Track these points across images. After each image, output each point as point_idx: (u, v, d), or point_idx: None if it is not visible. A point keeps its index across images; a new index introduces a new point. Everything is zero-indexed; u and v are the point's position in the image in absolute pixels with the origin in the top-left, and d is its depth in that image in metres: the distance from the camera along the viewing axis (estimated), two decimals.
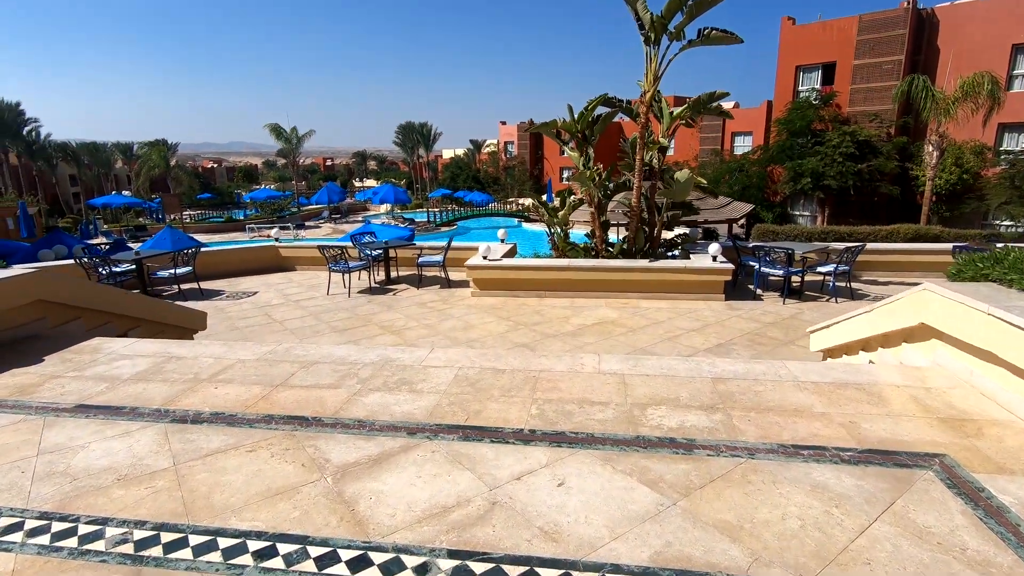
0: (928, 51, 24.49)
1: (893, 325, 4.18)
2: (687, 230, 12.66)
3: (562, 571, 1.95)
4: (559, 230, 11.17)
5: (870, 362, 4.49)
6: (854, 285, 10.10)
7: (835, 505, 2.27)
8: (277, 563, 2.02)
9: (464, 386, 3.56)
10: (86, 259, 9.81)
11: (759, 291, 9.90)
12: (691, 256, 10.32)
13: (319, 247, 11.02)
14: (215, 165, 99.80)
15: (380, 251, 11.02)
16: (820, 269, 9.58)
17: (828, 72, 26.74)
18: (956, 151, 22.05)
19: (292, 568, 1.99)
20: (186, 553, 2.07)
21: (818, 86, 26.91)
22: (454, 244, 11.51)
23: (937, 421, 2.96)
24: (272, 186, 68.85)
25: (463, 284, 10.71)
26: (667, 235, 11.40)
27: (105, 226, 39.63)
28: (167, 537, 2.16)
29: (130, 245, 15.95)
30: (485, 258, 9.98)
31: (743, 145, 35.84)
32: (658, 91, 9.85)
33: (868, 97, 25.24)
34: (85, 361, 4.13)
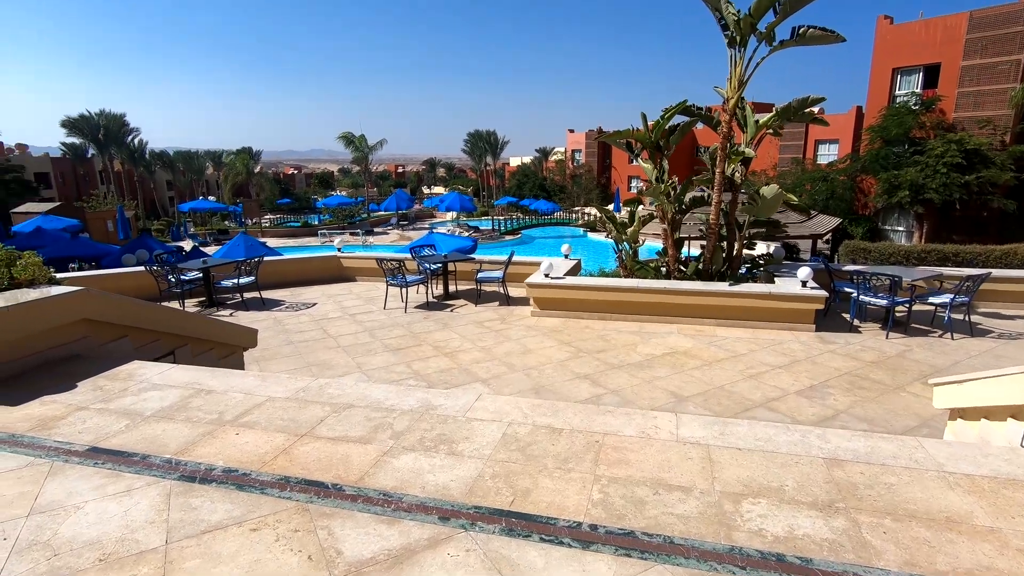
0: None
1: None
2: (771, 249, 11.56)
3: None
4: (627, 247, 10.43)
5: None
6: (973, 318, 8.74)
7: None
8: None
9: (513, 450, 2.99)
10: (156, 267, 10.03)
11: (856, 321, 8.75)
12: (776, 279, 9.30)
13: (377, 259, 10.84)
14: (295, 171, 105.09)
15: (439, 264, 10.70)
16: (932, 300, 8.32)
17: (931, 74, 24.33)
18: None
19: None
20: None
21: (919, 90, 24.53)
22: (516, 259, 11.02)
23: None
24: (344, 192, 71.47)
25: (523, 301, 10.18)
26: (747, 253, 10.41)
27: (193, 229, 42.28)
28: None
29: (204, 251, 16.56)
30: (547, 275, 9.39)
31: (827, 154, 33.42)
32: (742, 98, 8.96)
33: (979, 101, 22.71)
34: (115, 390, 3.89)
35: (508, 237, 37.48)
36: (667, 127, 9.45)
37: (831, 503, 2.48)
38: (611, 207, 32.86)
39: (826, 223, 14.85)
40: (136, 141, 51.35)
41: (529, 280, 9.45)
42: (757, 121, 9.25)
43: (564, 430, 3.21)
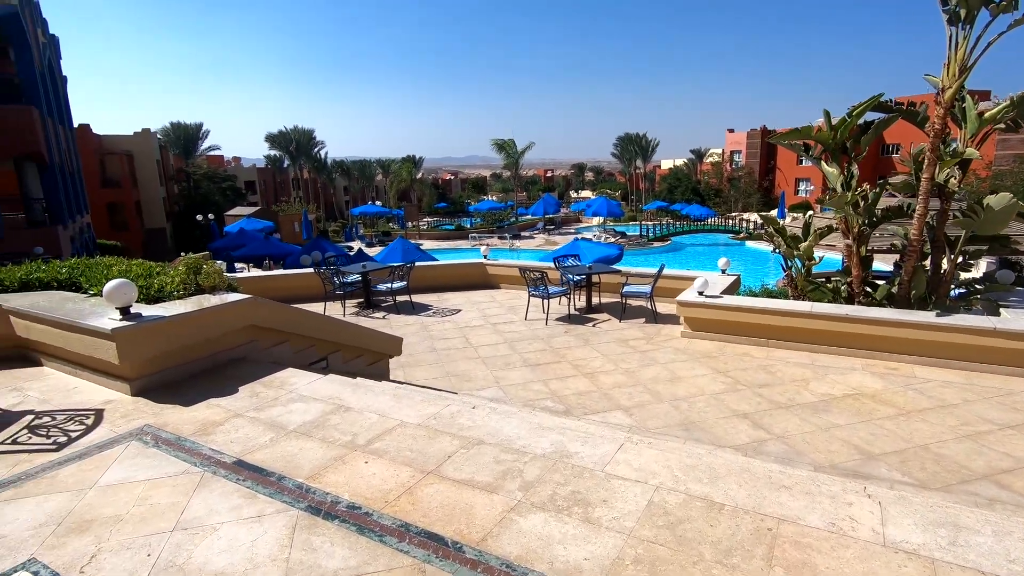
0: None
1: None
2: (991, 270, 9.39)
3: None
4: (799, 263, 9.12)
5: None
6: None
7: None
8: None
9: (660, 527, 2.49)
10: (323, 269, 10.95)
11: None
12: (1001, 310, 7.44)
13: (521, 269, 10.74)
14: (452, 177, 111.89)
15: (582, 276, 10.30)
16: None
17: None
18: None
19: None
20: None
21: None
22: (666, 272, 10.23)
23: None
24: (495, 197, 74.29)
25: (672, 319, 9.38)
26: (961, 275, 8.54)
27: (363, 230, 46.78)
28: None
29: (367, 253, 17.98)
30: (701, 293, 8.51)
31: None
32: (962, 87, 7.31)
33: None
34: (268, 398, 4.08)
35: (657, 244, 35.87)
36: (857, 125, 8.05)
37: None
38: (774, 212, 29.76)
39: None
40: (320, 152, 58.36)
41: (680, 298, 8.64)
42: (982, 115, 7.49)
43: (726, 507, 2.62)
